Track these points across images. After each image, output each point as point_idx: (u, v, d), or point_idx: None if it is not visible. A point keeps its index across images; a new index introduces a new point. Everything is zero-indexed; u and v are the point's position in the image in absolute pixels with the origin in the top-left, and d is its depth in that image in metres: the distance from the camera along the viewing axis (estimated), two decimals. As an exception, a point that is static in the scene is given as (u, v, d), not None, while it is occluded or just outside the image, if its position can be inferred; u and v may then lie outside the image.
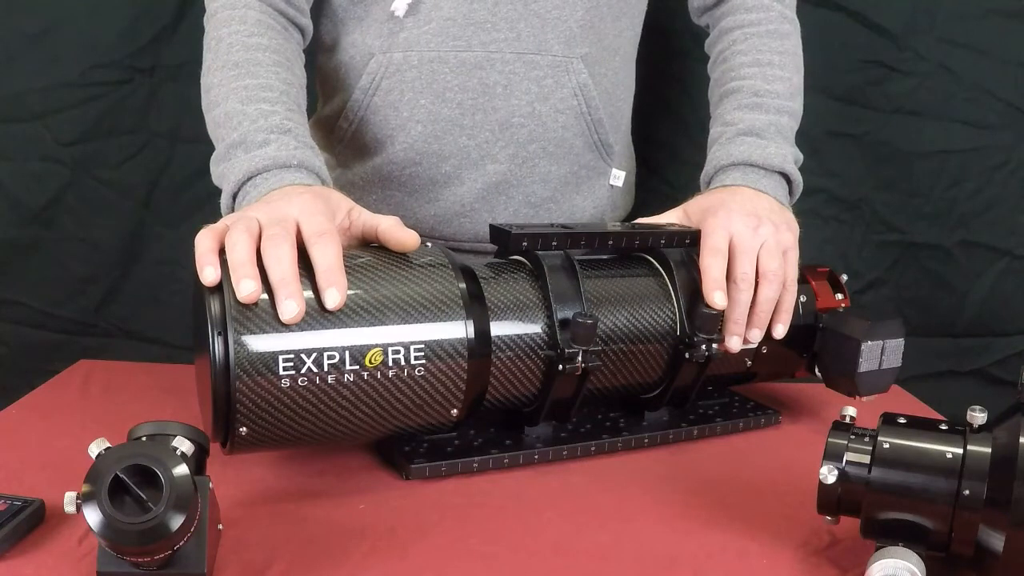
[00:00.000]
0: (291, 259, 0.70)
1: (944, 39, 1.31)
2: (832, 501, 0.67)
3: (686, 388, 0.93)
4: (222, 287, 0.70)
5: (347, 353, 0.72)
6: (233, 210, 0.85)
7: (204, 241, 0.72)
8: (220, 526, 0.66)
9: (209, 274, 0.70)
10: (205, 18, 0.98)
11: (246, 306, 0.69)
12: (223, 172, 0.87)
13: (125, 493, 0.57)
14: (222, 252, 0.72)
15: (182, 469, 0.58)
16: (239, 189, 0.85)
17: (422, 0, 1.02)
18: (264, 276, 0.70)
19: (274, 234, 0.72)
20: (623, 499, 0.80)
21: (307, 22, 1.03)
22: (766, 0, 1.11)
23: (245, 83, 0.89)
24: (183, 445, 0.61)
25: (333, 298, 0.71)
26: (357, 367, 0.72)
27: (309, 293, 0.72)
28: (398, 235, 0.78)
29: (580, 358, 0.81)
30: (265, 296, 0.70)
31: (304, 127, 0.90)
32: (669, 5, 1.22)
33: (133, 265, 1.36)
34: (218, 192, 0.88)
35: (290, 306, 0.69)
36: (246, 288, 0.68)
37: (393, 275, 0.76)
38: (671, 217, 0.98)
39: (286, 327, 0.70)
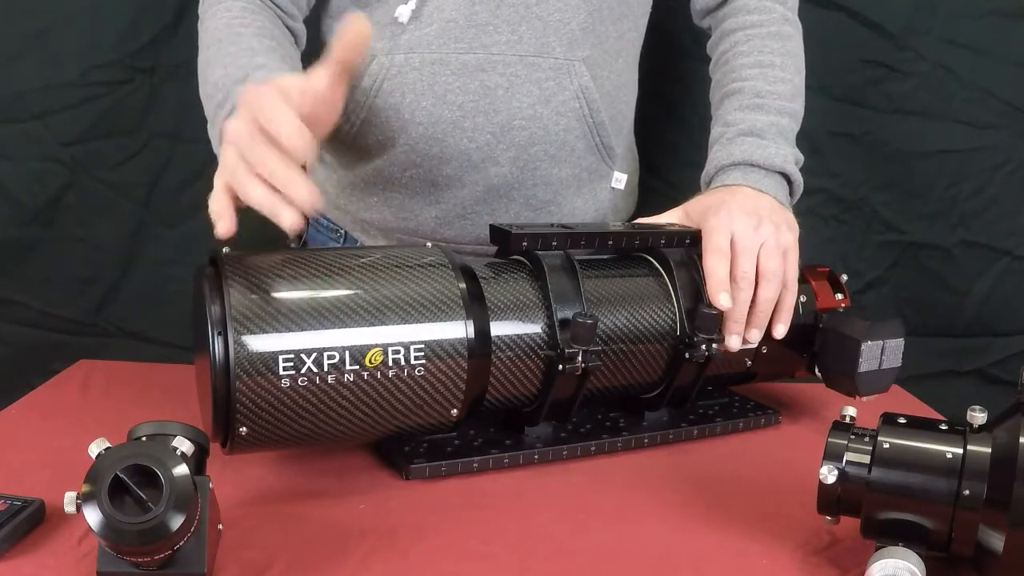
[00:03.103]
0: (280, 160, 0.70)
1: (944, 39, 1.30)
2: (832, 501, 0.67)
3: (686, 388, 0.93)
4: (221, 287, 0.70)
5: (347, 353, 0.72)
6: None
7: (215, 202, 0.73)
8: (220, 526, 0.66)
9: (222, 227, 0.72)
10: (198, 23, 0.99)
11: (246, 306, 0.70)
12: (214, 136, 0.88)
13: (125, 493, 0.57)
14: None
15: (182, 469, 0.59)
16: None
17: (425, 4, 1.02)
18: (265, 276, 0.71)
19: (257, 157, 0.71)
20: (623, 499, 0.80)
21: (298, 27, 1.04)
22: (768, 2, 1.11)
23: (228, 51, 0.91)
24: (183, 445, 0.61)
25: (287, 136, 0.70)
26: (357, 367, 0.72)
27: (320, 293, 0.72)
28: (346, 34, 0.75)
29: (580, 358, 0.81)
30: (265, 296, 0.70)
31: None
32: (670, 5, 1.22)
33: (133, 265, 1.36)
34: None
35: (302, 193, 0.69)
36: (222, 227, 0.71)
37: (393, 275, 0.76)
38: (671, 217, 0.98)
39: (286, 327, 0.70)
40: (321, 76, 0.76)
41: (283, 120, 0.70)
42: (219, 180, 0.74)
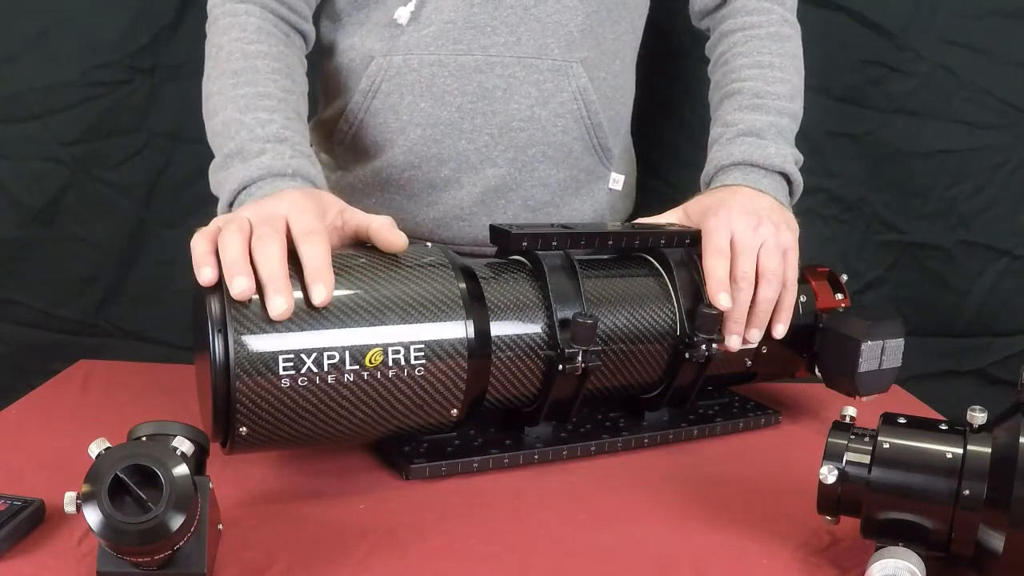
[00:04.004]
0: (280, 257, 0.71)
1: (944, 39, 1.31)
2: (832, 501, 0.67)
3: (686, 388, 0.93)
4: (222, 287, 0.70)
5: (347, 353, 0.72)
6: None
7: (199, 244, 0.72)
8: (220, 526, 0.66)
9: (206, 274, 0.70)
10: (207, 24, 0.98)
11: (246, 306, 0.70)
12: (220, 181, 0.87)
13: (125, 493, 0.57)
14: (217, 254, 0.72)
15: (182, 469, 0.58)
16: (235, 199, 0.85)
17: (424, 5, 1.02)
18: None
19: (264, 233, 0.72)
20: (623, 499, 0.80)
21: (309, 28, 1.03)
22: (767, 3, 1.11)
23: (243, 91, 0.89)
24: (183, 445, 0.61)
25: (320, 294, 0.71)
26: (357, 367, 0.72)
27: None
28: (387, 236, 0.79)
29: (580, 358, 0.81)
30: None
31: (302, 135, 0.90)
32: (669, 5, 1.22)
33: (133, 265, 1.36)
34: (217, 193, 0.89)
35: (278, 302, 0.69)
36: (239, 285, 0.69)
37: (393, 275, 0.76)
38: (671, 217, 0.98)
39: (286, 327, 0.70)
40: (366, 225, 0.79)
41: (324, 267, 0.72)
42: (214, 224, 0.75)
